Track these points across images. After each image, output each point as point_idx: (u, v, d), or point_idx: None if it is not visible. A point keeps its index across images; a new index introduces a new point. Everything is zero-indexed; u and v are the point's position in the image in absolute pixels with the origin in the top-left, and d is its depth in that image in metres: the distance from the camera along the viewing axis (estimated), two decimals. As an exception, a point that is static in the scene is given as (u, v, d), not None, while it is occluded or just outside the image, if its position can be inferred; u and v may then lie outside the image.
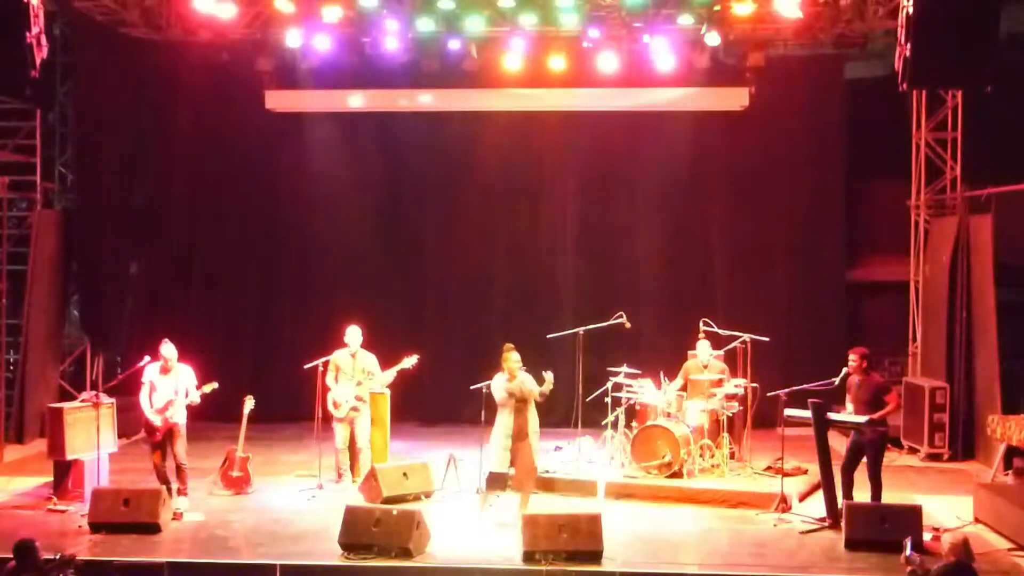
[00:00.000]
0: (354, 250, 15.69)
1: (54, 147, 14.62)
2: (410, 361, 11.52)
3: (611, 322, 11.96)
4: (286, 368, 13.50)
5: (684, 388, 11.89)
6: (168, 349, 10.62)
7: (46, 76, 11.63)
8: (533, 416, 10.26)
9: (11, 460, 12.98)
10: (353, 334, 11.46)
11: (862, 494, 10.30)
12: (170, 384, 10.58)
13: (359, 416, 11.44)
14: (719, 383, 11.79)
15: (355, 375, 11.40)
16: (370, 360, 11.52)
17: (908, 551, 7.49)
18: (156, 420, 10.53)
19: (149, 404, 10.57)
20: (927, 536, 9.42)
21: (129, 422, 12.90)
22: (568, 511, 9.97)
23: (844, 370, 10.38)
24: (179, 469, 10.67)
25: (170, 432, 10.60)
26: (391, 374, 11.58)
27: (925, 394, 13.27)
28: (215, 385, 10.75)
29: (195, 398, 10.65)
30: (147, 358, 10.78)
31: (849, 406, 10.37)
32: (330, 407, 11.36)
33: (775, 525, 10.24)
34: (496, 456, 10.20)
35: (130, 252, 15.52)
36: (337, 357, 11.45)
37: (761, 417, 12.10)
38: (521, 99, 14.86)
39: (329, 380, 11.35)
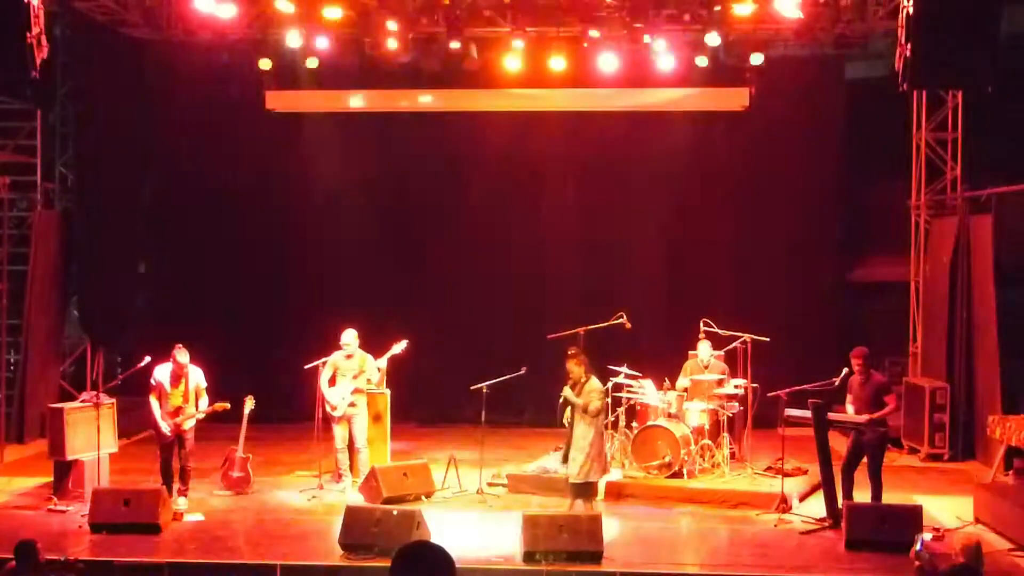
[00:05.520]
0: (354, 250, 15.67)
1: (54, 147, 14.62)
2: (400, 346, 11.52)
3: (611, 322, 11.97)
4: (286, 368, 13.47)
5: (685, 388, 11.89)
6: (182, 355, 10.62)
7: (46, 76, 11.60)
8: None
9: (11, 460, 12.98)
10: (348, 336, 11.43)
11: (862, 494, 10.31)
12: (180, 389, 10.60)
13: (357, 414, 11.41)
14: (720, 383, 11.79)
15: (352, 372, 11.39)
16: (368, 360, 11.51)
17: (919, 546, 7.47)
18: (165, 428, 10.56)
19: (160, 409, 10.58)
20: (927, 536, 9.41)
21: (130, 422, 12.91)
22: (568, 511, 9.96)
23: (844, 370, 10.39)
24: (183, 470, 10.73)
25: (179, 436, 10.66)
26: (383, 362, 11.56)
27: (925, 394, 13.27)
28: (227, 405, 10.78)
29: (201, 412, 10.68)
30: (147, 358, 10.79)
31: (849, 407, 10.38)
32: (328, 408, 11.35)
33: (775, 525, 10.24)
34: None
35: (129, 252, 15.52)
36: (334, 358, 11.44)
37: (761, 417, 12.09)
38: (521, 99, 14.86)
39: (323, 381, 11.33)
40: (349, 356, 11.38)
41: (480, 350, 15.24)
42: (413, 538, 9.03)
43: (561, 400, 10.27)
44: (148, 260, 16.00)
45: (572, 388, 10.07)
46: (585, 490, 10.07)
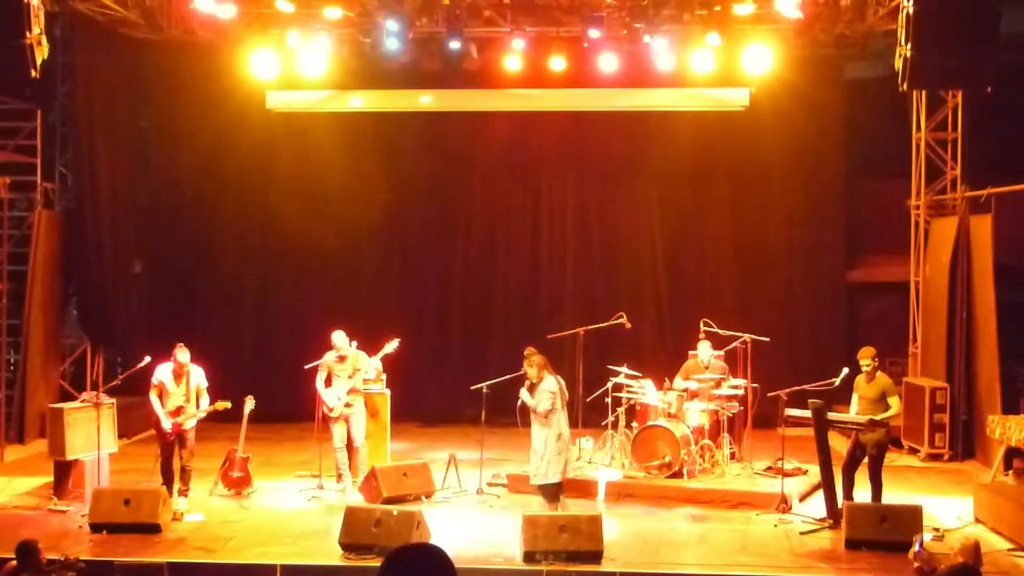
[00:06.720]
0: (354, 250, 15.71)
1: (54, 147, 14.60)
2: (392, 345, 11.52)
3: (611, 322, 11.98)
4: (286, 368, 13.50)
5: (684, 389, 11.88)
6: (183, 354, 10.62)
7: (46, 76, 11.60)
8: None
9: (11, 460, 12.98)
10: (338, 338, 11.41)
11: (862, 494, 10.31)
12: (181, 388, 10.61)
13: (353, 412, 11.38)
14: (720, 383, 11.79)
15: (346, 372, 11.38)
16: (361, 358, 11.51)
17: (918, 547, 7.48)
18: (167, 425, 10.55)
19: (161, 407, 10.59)
20: (927, 536, 9.42)
21: (130, 422, 12.93)
22: (568, 511, 9.96)
23: (844, 370, 10.39)
24: (183, 470, 10.73)
25: (180, 435, 10.66)
26: (376, 361, 11.56)
27: (925, 394, 13.27)
28: (228, 404, 10.78)
29: (202, 411, 10.69)
30: (147, 358, 10.79)
31: (854, 406, 10.38)
32: (324, 409, 11.35)
33: (775, 525, 10.23)
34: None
35: (129, 252, 15.52)
36: (327, 360, 11.43)
37: (761, 417, 12.10)
38: (521, 99, 14.87)
39: (319, 383, 11.33)
40: (342, 358, 11.36)
41: (480, 350, 15.27)
42: (413, 538, 9.05)
43: (519, 402, 10.17)
44: (147, 260, 16.00)
45: (529, 389, 9.91)
46: (548, 492, 9.93)
